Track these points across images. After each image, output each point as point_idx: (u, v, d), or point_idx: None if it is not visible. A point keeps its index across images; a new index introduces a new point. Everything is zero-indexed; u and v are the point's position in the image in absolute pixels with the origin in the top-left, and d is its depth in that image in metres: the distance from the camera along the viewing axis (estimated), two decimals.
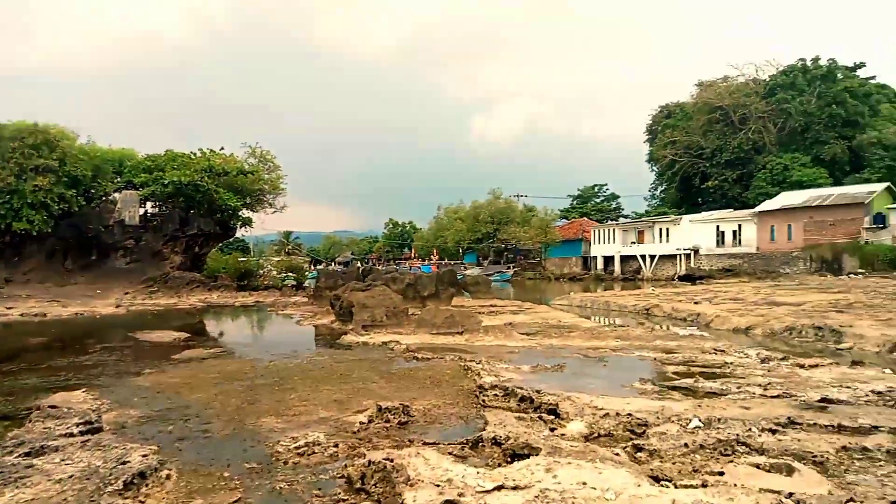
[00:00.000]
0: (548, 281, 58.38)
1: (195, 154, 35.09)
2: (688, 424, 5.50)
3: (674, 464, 4.56)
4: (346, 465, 4.82)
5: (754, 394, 6.76)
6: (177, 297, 31.33)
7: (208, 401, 7.29)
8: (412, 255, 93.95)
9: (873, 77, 68.43)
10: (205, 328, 18.83)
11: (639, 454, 4.86)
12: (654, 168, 75.74)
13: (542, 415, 6.05)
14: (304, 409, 6.76)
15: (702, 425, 5.46)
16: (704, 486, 4.00)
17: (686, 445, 4.89)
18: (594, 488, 3.83)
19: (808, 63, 63.08)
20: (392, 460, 4.59)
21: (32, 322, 20.09)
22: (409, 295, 19.57)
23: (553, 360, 9.62)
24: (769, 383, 7.28)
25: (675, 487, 3.96)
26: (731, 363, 8.92)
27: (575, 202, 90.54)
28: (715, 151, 63.91)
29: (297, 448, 5.36)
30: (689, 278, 45.71)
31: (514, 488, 3.93)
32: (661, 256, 55.23)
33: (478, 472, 4.35)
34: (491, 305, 21.34)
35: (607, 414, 5.90)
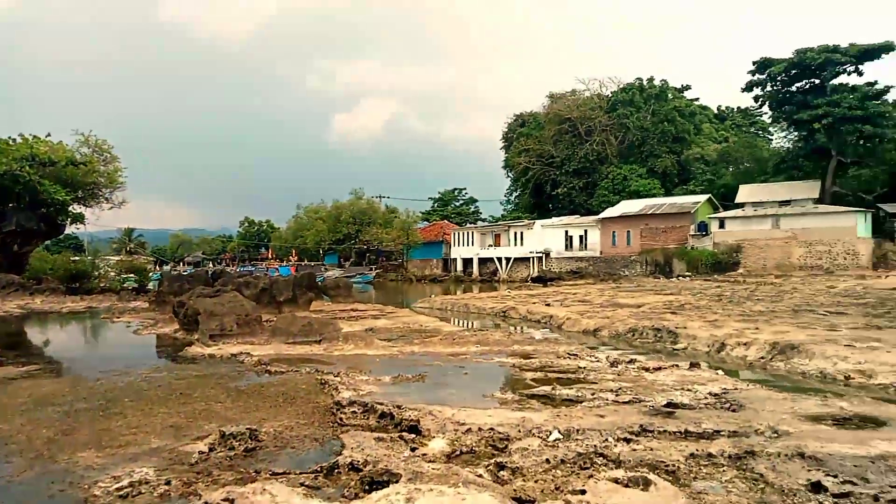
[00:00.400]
0: (409, 283, 58.69)
1: (14, 140, 30.82)
2: (548, 437, 5.46)
3: (536, 482, 4.45)
4: None
5: (607, 400, 6.95)
6: None
7: (11, 433, 6.16)
8: (269, 255, 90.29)
9: (697, 99, 76.80)
10: (20, 340, 16.44)
11: (501, 473, 4.71)
12: (510, 174, 79.03)
13: (403, 433, 5.75)
14: (132, 439, 5.90)
15: (561, 437, 5.45)
16: None
17: (548, 461, 4.82)
18: None
19: (644, 83, 69.16)
20: (232, 500, 4.04)
21: None
22: (264, 300, 18.46)
23: (415, 368, 9.38)
24: (620, 388, 7.56)
25: None
26: (585, 368, 9.22)
27: (436, 205, 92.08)
28: (564, 160, 68.02)
29: (119, 489, 4.60)
30: (542, 280, 48.12)
31: None
32: (516, 259, 57.63)
33: None
34: (352, 310, 20.81)
35: (469, 429, 5.73)
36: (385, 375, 8.77)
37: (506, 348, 11.40)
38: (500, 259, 58.73)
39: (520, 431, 5.65)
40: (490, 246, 60.98)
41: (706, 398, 6.95)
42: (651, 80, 69.34)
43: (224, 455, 5.43)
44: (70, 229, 35.68)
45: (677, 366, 9.26)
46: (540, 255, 55.52)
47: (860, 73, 47.74)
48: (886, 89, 46.58)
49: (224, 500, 4.04)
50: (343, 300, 23.32)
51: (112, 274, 39.05)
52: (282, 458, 5.45)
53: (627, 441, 5.30)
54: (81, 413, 6.95)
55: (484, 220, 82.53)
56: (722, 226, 47.44)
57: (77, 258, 40.56)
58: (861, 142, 47.39)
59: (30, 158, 29.12)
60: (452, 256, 64.35)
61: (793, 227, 44.14)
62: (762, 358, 10.82)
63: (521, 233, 58.45)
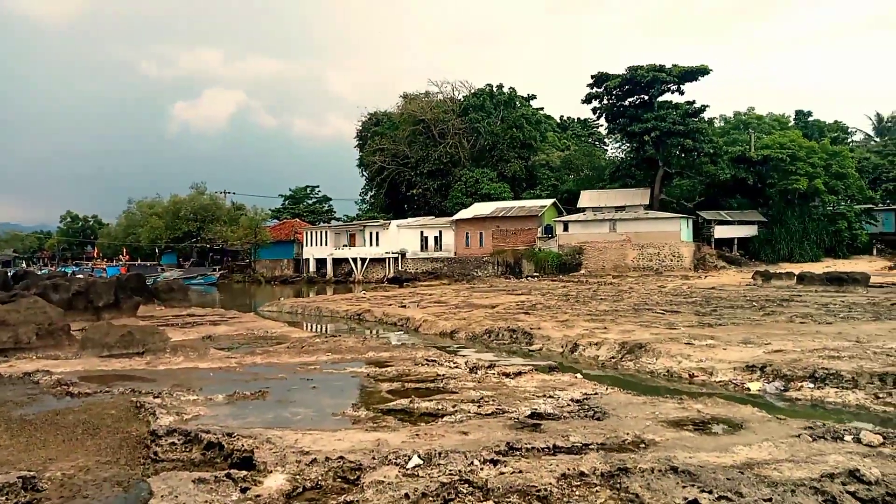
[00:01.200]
0: (258, 284, 55.63)
1: None
2: (407, 463, 4.76)
3: None
4: None
5: (470, 412, 6.41)
6: None
7: None
8: (96, 254, 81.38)
9: (542, 108, 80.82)
10: None
11: None
12: (364, 173, 77.93)
13: (233, 469, 4.75)
14: None
15: (422, 462, 4.77)
16: None
17: (407, 496, 4.11)
18: None
19: (494, 89, 71.48)
20: None
21: None
22: (79, 306, 15.99)
23: (255, 383, 8.27)
24: (482, 398, 7.08)
25: None
26: (444, 375, 8.68)
27: (287, 202, 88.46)
28: (419, 161, 68.30)
29: None
30: (398, 281, 47.76)
31: None
32: (372, 259, 56.75)
33: None
34: (188, 315, 18.80)
35: (315, 459, 4.86)
36: (219, 393, 7.59)
37: (360, 356, 10.58)
38: (355, 259, 57.48)
39: (374, 458, 4.88)
40: (345, 246, 59.50)
41: (569, 405, 6.66)
42: (500, 87, 71.86)
43: None
44: None
45: (536, 369, 9.03)
46: (396, 255, 55.11)
47: (681, 92, 52.89)
48: (703, 108, 52.04)
49: None
50: (178, 304, 21.06)
51: None
52: None
53: (494, 463, 4.74)
54: None
55: (338, 220, 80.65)
56: (566, 229, 50.09)
57: None
58: (682, 154, 52.45)
59: None
60: (305, 256, 61.93)
61: (627, 230, 47.70)
62: (613, 358, 11.00)
63: (377, 233, 57.67)
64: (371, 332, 17.15)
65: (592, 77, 54.59)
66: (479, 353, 12.02)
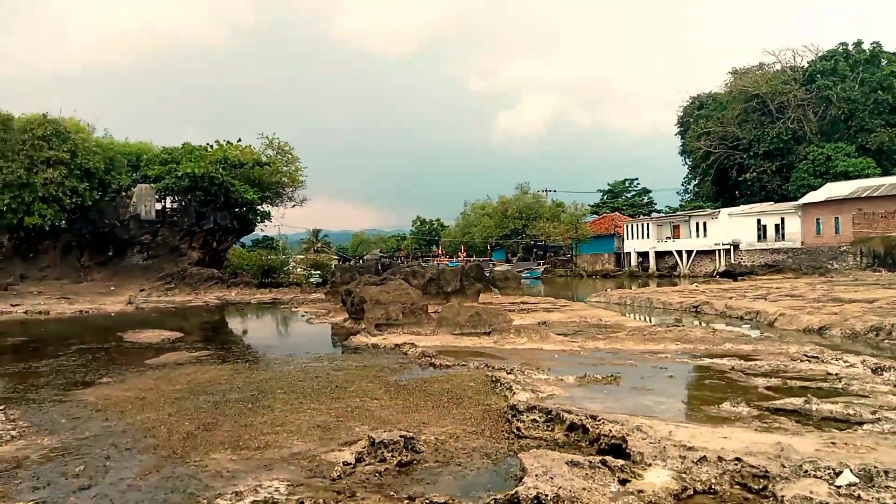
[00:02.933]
0: (579, 278, 56.15)
1: (211, 146, 33.78)
2: (835, 479, 3.58)
3: None
4: None
5: None
6: (193, 294, 30.21)
7: (155, 424, 5.58)
8: (440, 252, 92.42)
9: None
10: (205, 326, 17.29)
11: None
12: (687, 161, 72.55)
13: (605, 457, 4.19)
14: (273, 440, 5.00)
15: (858, 481, 3.54)
16: None
17: None
18: None
19: (850, 48, 59.40)
20: None
21: (30, 320, 18.86)
22: (432, 290, 17.75)
23: (603, 368, 7.73)
24: None
25: None
26: (838, 375, 6.92)
27: (605, 197, 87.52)
28: (752, 142, 60.65)
29: None
30: (730, 274, 43.04)
31: None
32: (699, 252, 52.46)
33: None
34: (522, 303, 19.48)
35: (704, 457, 4.01)
36: (568, 375, 7.24)
37: (715, 347, 9.27)
38: (680, 252, 53.86)
39: (783, 466, 3.81)
40: (668, 238, 56.24)
41: None
42: (859, 43, 59.48)
43: (372, 470, 4.28)
44: (264, 230, 38.39)
45: None
46: (727, 247, 49.94)
47: None
48: None
49: None
50: (512, 293, 22.06)
51: (299, 270, 41.77)
52: (443, 479, 4.18)
53: None
54: (230, 405, 6.28)
55: (659, 212, 76.87)
56: None
57: (273, 256, 44.03)
58: None
59: (222, 161, 31.64)
60: (626, 250, 60.41)
61: None
62: None
63: (705, 223, 53.06)
64: (711, 325, 15.35)
65: None
66: (869, 354, 9.54)
